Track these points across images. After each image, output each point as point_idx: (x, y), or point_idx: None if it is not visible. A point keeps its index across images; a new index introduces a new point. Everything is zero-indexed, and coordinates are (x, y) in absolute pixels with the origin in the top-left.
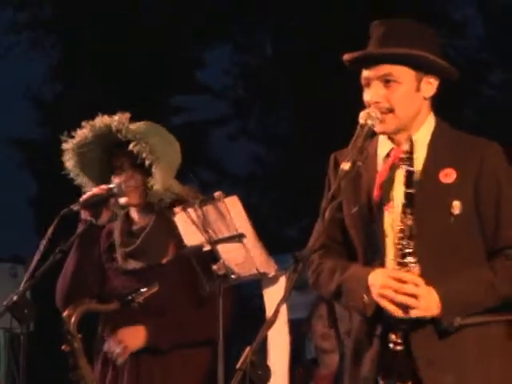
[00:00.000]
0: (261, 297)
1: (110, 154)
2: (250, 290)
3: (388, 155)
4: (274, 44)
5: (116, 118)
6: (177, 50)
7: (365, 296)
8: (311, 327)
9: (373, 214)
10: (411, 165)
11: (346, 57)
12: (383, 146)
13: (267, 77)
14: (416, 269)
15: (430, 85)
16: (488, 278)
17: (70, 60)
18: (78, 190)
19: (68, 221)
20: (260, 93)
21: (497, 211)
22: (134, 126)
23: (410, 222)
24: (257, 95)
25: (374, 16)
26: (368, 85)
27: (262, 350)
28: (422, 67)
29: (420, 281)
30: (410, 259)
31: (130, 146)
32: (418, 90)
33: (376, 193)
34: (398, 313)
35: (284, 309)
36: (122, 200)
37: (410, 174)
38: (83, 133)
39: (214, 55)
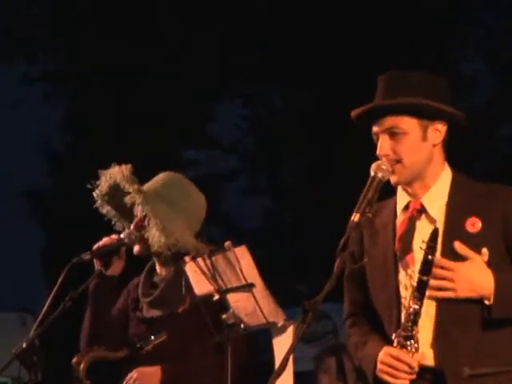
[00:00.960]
0: (270, 351)
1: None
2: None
3: (407, 207)
4: (284, 98)
5: (121, 168)
6: (189, 103)
7: None
8: (317, 380)
9: (389, 272)
10: (432, 253)
11: (353, 114)
12: (401, 199)
13: (277, 130)
14: (415, 353)
15: (438, 131)
16: None
17: (82, 111)
18: (87, 241)
19: (79, 270)
20: (270, 146)
21: None
22: (148, 184)
23: (416, 307)
24: (267, 148)
25: (385, 70)
26: (377, 139)
27: None
28: (425, 115)
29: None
30: (410, 342)
31: (125, 199)
32: (424, 138)
33: (397, 245)
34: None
35: (290, 359)
36: (134, 249)
37: (428, 262)
38: (101, 183)
39: (224, 109)
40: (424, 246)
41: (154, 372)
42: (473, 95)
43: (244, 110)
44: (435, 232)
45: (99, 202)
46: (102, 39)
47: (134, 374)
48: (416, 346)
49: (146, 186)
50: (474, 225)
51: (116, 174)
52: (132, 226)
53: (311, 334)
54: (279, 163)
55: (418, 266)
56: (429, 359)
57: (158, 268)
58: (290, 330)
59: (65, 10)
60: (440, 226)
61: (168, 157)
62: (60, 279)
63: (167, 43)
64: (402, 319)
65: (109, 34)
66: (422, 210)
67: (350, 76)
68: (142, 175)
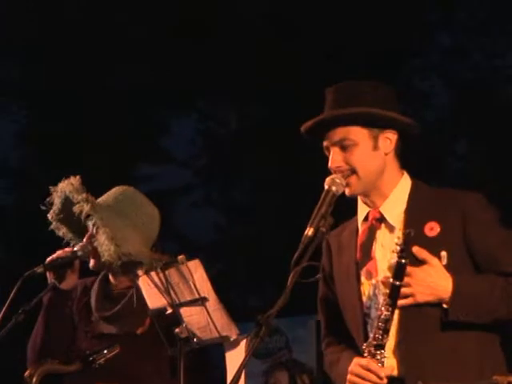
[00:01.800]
0: (222, 367)
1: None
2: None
3: (366, 218)
4: (238, 116)
5: (69, 180)
6: (142, 117)
7: None
8: None
9: (352, 284)
10: (404, 257)
11: (302, 129)
12: (361, 210)
13: (231, 148)
14: (384, 361)
15: (389, 140)
16: (504, 285)
17: (37, 125)
18: (46, 255)
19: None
20: (224, 163)
21: (493, 257)
22: (101, 198)
23: (388, 314)
24: (220, 165)
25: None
26: (329, 153)
27: None
28: (374, 124)
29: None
30: (381, 352)
31: (74, 208)
32: (376, 147)
33: (358, 255)
34: None
35: (242, 374)
36: (90, 264)
37: (401, 266)
38: (54, 201)
39: (178, 124)
40: (397, 249)
41: None
42: (427, 111)
43: (198, 125)
44: (408, 235)
45: (54, 224)
46: (59, 57)
47: None
48: (386, 356)
49: (99, 200)
50: (432, 229)
51: (65, 186)
52: (85, 239)
53: (264, 349)
54: (232, 178)
55: (381, 275)
56: (391, 369)
57: (112, 279)
58: (243, 344)
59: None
60: (399, 232)
61: (123, 171)
62: (12, 293)
63: (123, 58)
64: (369, 330)
65: (66, 49)
66: (381, 219)
67: (304, 89)
68: (96, 190)
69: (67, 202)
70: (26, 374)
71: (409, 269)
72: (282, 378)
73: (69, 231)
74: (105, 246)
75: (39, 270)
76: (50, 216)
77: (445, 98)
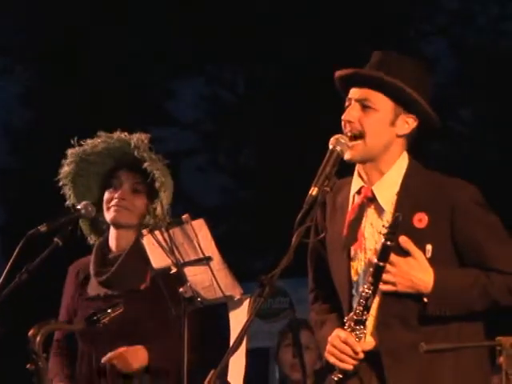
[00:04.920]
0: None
1: (113, 170)
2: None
3: (359, 192)
4: (246, 82)
5: (136, 135)
6: (148, 81)
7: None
8: (279, 356)
9: (343, 256)
10: (390, 239)
11: (337, 74)
12: (355, 182)
13: (237, 112)
14: (363, 338)
15: (407, 124)
16: (485, 283)
17: (42, 87)
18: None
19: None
20: (229, 127)
21: (479, 251)
22: None
23: (369, 292)
24: (226, 129)
25: (344, 52)
26: (349, 105)
27: None
28: (402, 101)
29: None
30: (360, 328)
31: (145, 165)
32: (393, 124)
33: (345, 231)
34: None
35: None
36: (108, 217)
37: (387, 248)
38: (95, 142)
39: (184, 87)
40: (384, 230)
41: (136, 349)
42: (434, 76)
43: (205, 89)
44: (397, 219)
45: (70, 159)
46: (63, 16)
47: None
48: (365, 331)
49: None
50: (421, 220)
51: (135, 139)
52: (117, 194)
53: (268, 310)
54: (239, 144)
55: (369, 254)
56: (371, 344)
57: (112, 244)
58: (246, 304)
59: None
60: (388, 217)
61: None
62: (16, 251)
63: (129, 23)
64: (354, 304)
65: (70, 9)
66: (373, 199)
67: (311, 57)
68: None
69: (112, 151)
70: (30, 333)
71: (393, 258)
72: (304, 337)
73: (74, 193)
74: (159, 209)
75: (42, 228)
76: (73, 151)
77: (451, 62)
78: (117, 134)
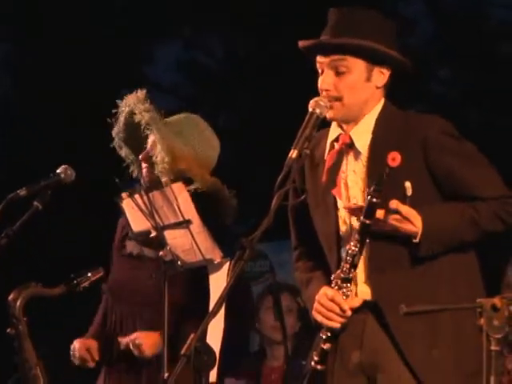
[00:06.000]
0: None
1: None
2: None
3: (337, 140)
4: (225, 46)
5: (135, 94)
6: (126, 45)
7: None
8: (259, 318)
9: (329, 207)
10: (376, 196)
11: (301, 44)
12: (333, 132)
13: (217, 76)
14: (350, 296)
15: (382, 75)
16: (468, 210)
17: (17, 51)
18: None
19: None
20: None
21: (459, 181)
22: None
23: (356, 249)
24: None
25: (322, 10)
26: (322, 72)
27: None
28: (372, 58)
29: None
30: (347, 286)
31: (135, 117)
32: (368, 79)
33: (324, 178)
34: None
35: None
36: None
37: (371, 205)
38: (118, 119)
39: (163, 52)
40: (371, 188)
41: (154, 334)
42: (411, 37)
43: (183, 53)
44: (381, 176)
45: (116, 141)
46: None
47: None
48: (352, 290)
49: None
50: (394, 159)
51: (130, 98)
52: (141, 156)
53: (248, 273)
54: (218, 108)
55: (353, 201)
56: (366, 294)
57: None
58: (226, 267)
59: None
60: (364, 158)
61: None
62: None
63: None
64: (343, 254)
65: None
66: (351, 144)
67: (289, 17)
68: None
69: (131, 122)
70: (10, 297)
71: (393, 204)
72: (284, 300)
73: (130, 152)
74: (160, 156)
75: (22, 192)
76: (113, 133)
77: (430, 24)
78: (125, 99)
